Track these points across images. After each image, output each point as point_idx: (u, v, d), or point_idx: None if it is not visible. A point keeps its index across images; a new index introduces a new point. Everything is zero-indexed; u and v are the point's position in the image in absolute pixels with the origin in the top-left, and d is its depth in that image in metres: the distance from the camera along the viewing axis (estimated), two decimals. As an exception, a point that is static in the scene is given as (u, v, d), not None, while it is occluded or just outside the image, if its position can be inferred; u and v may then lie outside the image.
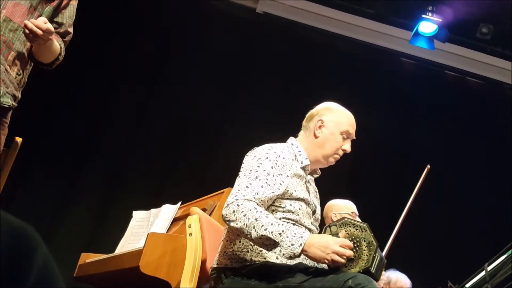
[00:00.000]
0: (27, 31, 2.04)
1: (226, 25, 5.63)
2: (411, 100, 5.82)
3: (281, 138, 2.36)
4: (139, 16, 5.42)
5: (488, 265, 2.18)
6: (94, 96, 5.14)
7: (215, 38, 5.57)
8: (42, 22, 2.05)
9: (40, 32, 2.03)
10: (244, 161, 2.20)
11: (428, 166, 3.13)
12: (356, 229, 1.98)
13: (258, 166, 2.10)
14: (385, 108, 5.74)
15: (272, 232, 1.91)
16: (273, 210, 2.12)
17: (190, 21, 5.51)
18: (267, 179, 2.07)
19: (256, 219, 1.93)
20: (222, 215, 2.02)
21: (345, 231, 1.98)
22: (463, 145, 5.67)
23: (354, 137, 2.33)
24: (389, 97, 5.75)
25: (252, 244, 2.07)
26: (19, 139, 2.44)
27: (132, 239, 2.78)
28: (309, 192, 2.25)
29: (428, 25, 5.41)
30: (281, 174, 2.12)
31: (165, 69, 5.37)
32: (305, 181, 2.25)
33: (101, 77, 5.19)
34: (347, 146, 2.29)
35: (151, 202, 3.43)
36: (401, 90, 5.80)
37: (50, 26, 2.06)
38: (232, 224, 1.98)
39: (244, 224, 1.94)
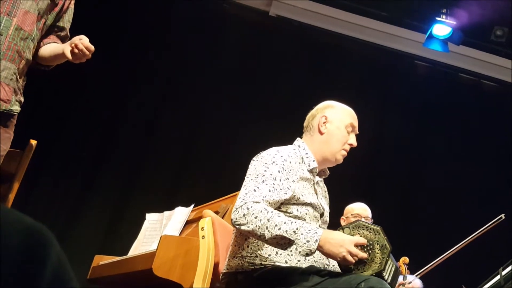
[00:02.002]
0: (76, 50, 2.08)
1: (239, 28, 5.64)
2: (426, 103, 5.78)
3: (294, 141, 2.35)
4: (153, 19, 5.45)
5: (503, 269, 2.15)
6: (110, 98, 5.18)
7: (228, 41, 5.59)
8: (88, 42, 2.10)
9: (87, 53, 2.09)
10: (250, 166, 2.17)
11: (503, 216, 3.15)
12: (370, 232, 1.96)
13: (265, 171, 2.08)
14: (399, 111, 5.71)
15: (286, 231, 1.89)
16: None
17: (202, 24, 5.52)
18: (273, 183, 2.05)
19: (268, 220, 1.91)
20: (231, 220, 1.99)
21: (359, 233, 1.96)
22: (478, 148, 5.62)
23: (358, 132, 2.32)
24: (403, 100, 5.72)
25: (260, 248, 2.05)
26: (33, 142, 2.46)
27: (145, 242, 2.79)
28: (317, 194, 2.23)
29: (442, 28, 5.38)
30: (288, 179, 2.10)
31: (179, 73, 5.39)
32: (313, 183, 2.23)
33: (117, 79, 5.22)
34: (353, 140, 2.28)
35: (164, 204, 3.44)
36: (415, 93, 5.77)
37: (92, 46, 2.11)
38: (243, 227, 1.96)
39: (256, 226, 1.92)
